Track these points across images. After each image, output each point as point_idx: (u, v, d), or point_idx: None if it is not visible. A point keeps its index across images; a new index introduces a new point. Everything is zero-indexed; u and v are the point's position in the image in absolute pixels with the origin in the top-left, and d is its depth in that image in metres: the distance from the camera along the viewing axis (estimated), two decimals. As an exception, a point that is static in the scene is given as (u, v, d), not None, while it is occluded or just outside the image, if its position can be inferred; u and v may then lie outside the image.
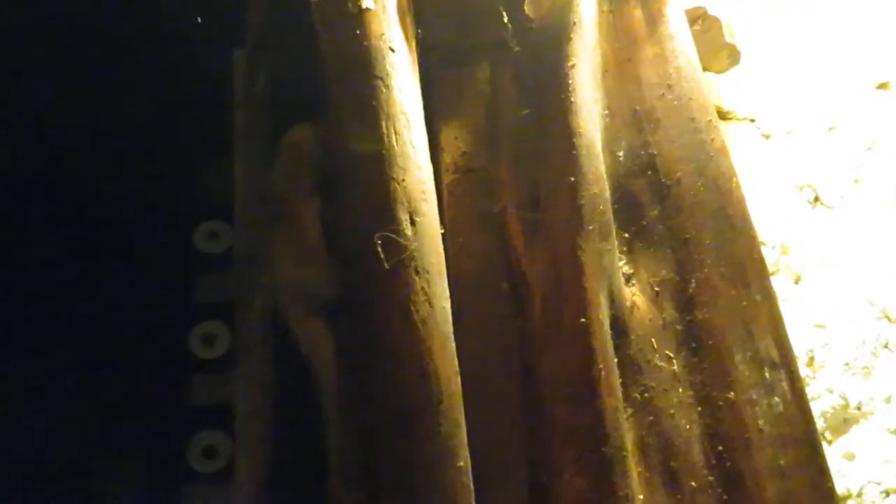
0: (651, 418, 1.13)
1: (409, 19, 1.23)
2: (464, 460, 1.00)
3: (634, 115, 1.30)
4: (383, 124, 1.10)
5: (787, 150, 1.61)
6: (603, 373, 1.08)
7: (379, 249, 1.04)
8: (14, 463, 1.51)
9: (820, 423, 1.39)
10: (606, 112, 1.29)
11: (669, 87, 1.30)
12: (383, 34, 1.14)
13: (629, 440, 1.08)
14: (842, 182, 1.58)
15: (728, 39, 1.47)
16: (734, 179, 1.25)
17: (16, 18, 1.62)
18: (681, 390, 1.15)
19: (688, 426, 1.13)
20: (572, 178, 1.17)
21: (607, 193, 1.20)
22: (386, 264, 1.04)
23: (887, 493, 1.35)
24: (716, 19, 1.45)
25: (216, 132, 1.42)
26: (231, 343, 1.46)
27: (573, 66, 1.23)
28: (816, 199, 1.57)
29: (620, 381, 1.10)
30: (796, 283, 1.51)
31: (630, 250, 1.23)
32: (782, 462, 1.10)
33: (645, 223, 1.24)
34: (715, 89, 1.62)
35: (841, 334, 1.46)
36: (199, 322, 1.51)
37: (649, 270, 1.21)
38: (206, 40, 1.56)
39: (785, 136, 1.62)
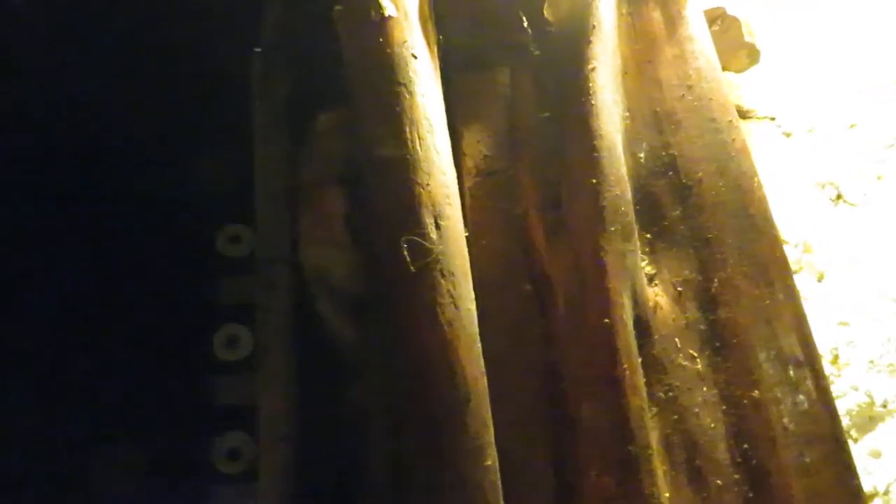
0: (676, 417, 1.13)
1: (430, 26, 1.24)
2: (492, 459, 1.01)
3: (655, 117, 1.30)
4: (407, 130, 1.11)
5: (808, 147, 1.61)
6: (627, 372, 1.09)
7: (405, 253, 1.05)
8: (44, 464, 1.53)
9: (845, 421, 1.38)
10: (627, 114, 1.29)
11: (689, 88, 1.31)
12: (406, 41, 1.15)
13: (654, 439, 1.09)
14: (864, 179, 1.57)
15: (747, 39, 1.47)
16: (755, 179, 1.25)
17: (39, 18, 1.65)
18: (705, 389, 1.15)
19: (713, 425, 1.13)
20: (594, 180, 1.18)
21: (629, 195, 1.20)
22: (412, 267, 1.05)
23: (914, 491, 1.35)
24: (735, 19, 1.45)
25: (237, 133, 1.43)
26: (254, 345, 1.48)
27: (593, 68, 1.24)
28: (839, 196, 1.56)
29: (644, 380, 1.11)
30: (819, 281, 1.50)
31: (652, 251, 1.23)
32: (808, 460, 1.11)
33: (667, 223, 1.24)
34: (735, 88, 1.62)
35: (865, 332, 1.45)
36: (222, 324, 1.53)
37: (672, 270, 1.22)
38: (224, 42, 1.57)
39: (806, 134, 1.62)
